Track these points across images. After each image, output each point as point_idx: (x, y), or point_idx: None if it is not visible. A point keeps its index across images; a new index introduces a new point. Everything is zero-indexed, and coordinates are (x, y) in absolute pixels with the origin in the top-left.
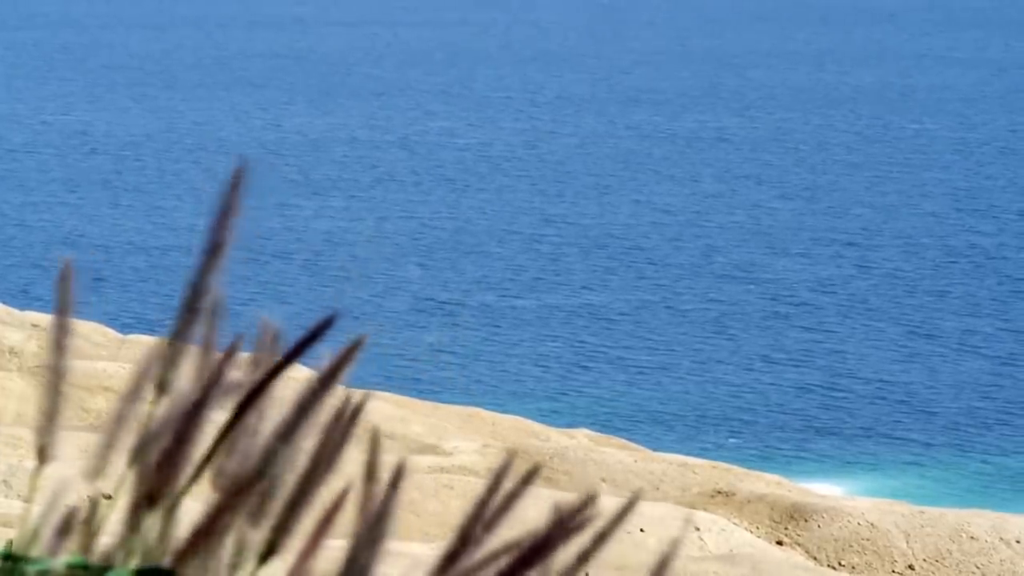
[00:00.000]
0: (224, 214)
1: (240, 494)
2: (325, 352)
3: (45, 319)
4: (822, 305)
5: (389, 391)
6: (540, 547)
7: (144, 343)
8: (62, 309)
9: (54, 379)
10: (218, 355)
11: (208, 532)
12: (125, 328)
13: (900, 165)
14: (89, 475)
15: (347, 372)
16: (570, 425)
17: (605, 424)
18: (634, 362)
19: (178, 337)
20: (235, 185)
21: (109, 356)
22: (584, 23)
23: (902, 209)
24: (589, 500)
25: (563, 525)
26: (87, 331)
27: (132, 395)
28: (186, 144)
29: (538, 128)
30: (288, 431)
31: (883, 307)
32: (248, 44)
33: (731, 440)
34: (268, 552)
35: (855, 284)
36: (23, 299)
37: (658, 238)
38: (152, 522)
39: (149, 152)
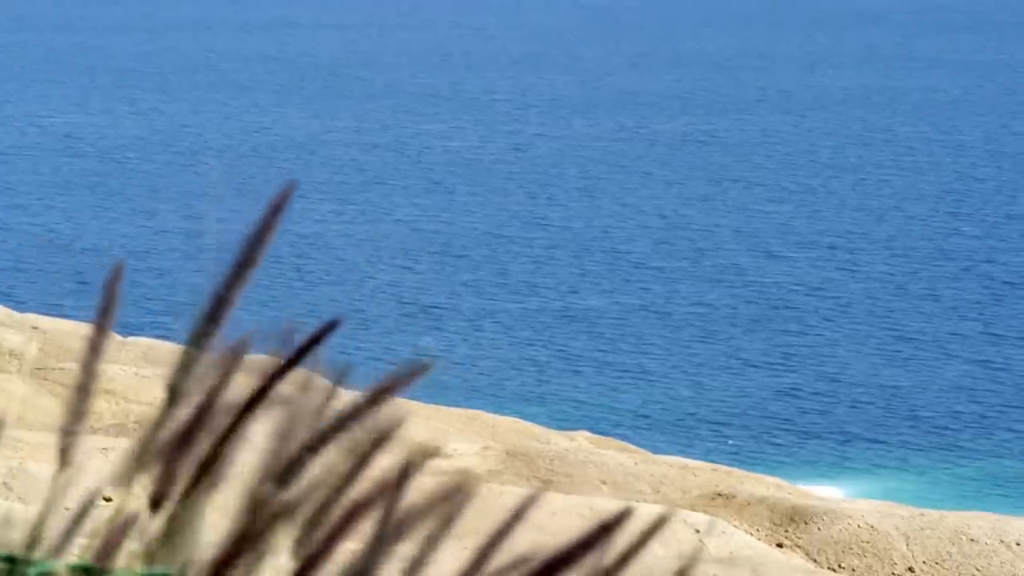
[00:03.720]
0: (262, 231)
1: (275, 519)
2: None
3: (45, 321)
4: (814, 308)
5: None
6: (566, 558)
7: (144, 345)
8: (106, 311)
9: (85, 381)
10: (224, 359)
11: (239, 553)
12: (123, 330)
13: (889, 168)
14: (118, 483)
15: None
16: (570, 427)
17: (605, 426)
18: (633, 365)
19: (196, 345)
20: (280, 203)
21: (109, 358)
22: (575, 26)
23: (891, 212)
24: (625, 514)
25: (592, 539)
26: (87, 333)
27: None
28: (178, 147)
29: (528, 131)
30: (318, 444)
31: (874, 310)
32: (238, 47)
33: (731, 442)
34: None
35: (847, 287)
36: (9, 302)
37: (649, 241)
38: (155, 525)
39: (140, 155)
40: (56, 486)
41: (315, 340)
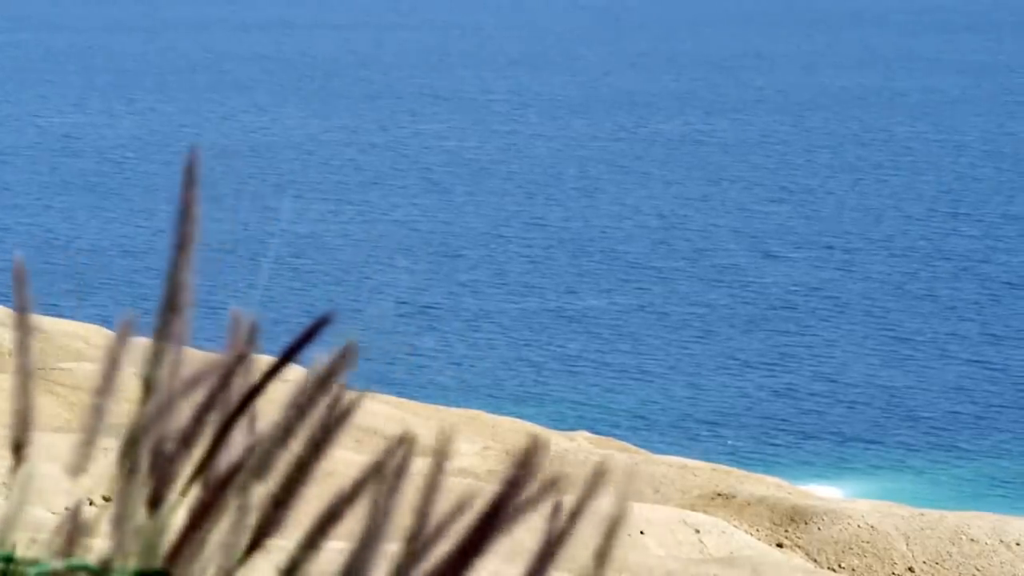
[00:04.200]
0: (186, 208)
1: (222, 491)
2: (318, 353)
3: (45, 321)
4: (812, 309)
5: (390, 393)
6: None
7: (143, 345)
8: (21, 307)
9: (23, 379)
10: (227, 359)
11: (193, 531)
12: None
13: (888, 168)
14: (71, 472)
15: (342, 374)
16: (568, 428)
17: (603, 427)
18: (631, 365)
19: (160, 335)
20: (190, 179)
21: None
22: (574, 26)
23: (890, 212)
24: (538, 446)
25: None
26: (87, 333)
27: (104, 391)
28: (176, 147)
29: (526, 131)
30: (277, 430)
31: (872, 310)
32: (237, 47)
33: (729, 443)
34: (252, 547)
35: (845, 287)
36: (8, 302)
37: (647, 241)
38: (150, 523)
39: (139, 155)
40: (18, 483)
41: (308, 337)
